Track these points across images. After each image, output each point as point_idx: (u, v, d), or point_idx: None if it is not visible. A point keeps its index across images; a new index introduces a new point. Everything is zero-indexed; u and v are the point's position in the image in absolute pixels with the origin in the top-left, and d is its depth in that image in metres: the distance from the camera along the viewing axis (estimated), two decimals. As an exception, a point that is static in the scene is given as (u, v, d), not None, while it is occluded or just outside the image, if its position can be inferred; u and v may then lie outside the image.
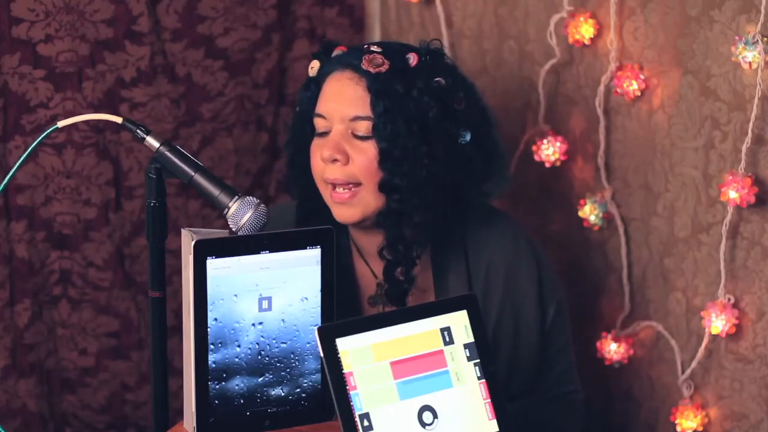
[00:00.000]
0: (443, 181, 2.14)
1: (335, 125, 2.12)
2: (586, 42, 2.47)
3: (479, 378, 1.89)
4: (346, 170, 2.11)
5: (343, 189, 2.12)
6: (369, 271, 2.24)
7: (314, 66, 2.19)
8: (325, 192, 2.15)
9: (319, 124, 2.14)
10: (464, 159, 2.15)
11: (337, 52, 2.18)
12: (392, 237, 2.15)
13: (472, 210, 2.23)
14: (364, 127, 2.10)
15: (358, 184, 2.11)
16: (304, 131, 2.18)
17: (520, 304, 2.23)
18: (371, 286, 2.25)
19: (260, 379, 1.93)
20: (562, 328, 2.29)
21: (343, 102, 2.11)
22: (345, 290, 2.19)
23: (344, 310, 2.03)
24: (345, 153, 2.10)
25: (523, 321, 2.24)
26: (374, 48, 2.14)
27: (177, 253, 1.99)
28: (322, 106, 2.14)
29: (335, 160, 2.10)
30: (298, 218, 2.24)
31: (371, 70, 2.10)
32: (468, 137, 2.15)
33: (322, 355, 1.80)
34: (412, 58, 2.13)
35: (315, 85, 2.17)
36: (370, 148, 2.10)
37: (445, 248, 2.22)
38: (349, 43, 2.26)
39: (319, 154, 2.13)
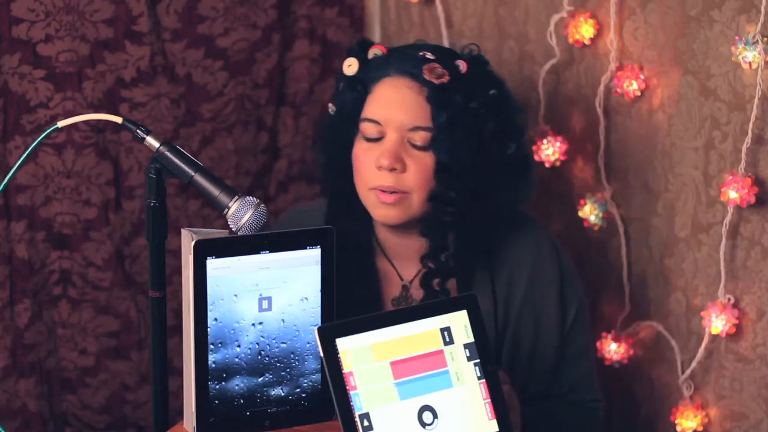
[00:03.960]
0: (489, 191, 2.14)
1: (390, 133, 2.10)
2: (586, 42, 2.47)
3: (479, 378, 1.89)
4: (399, 178, 2.09)
5: (391, 192, 2.10)
6: (394, 272, 2.24)
7: (352, 64, 2.16)
8: (369, 194, 2.13)
9: (370, 129, 2.11)
10: (510, 169, 2.15)
11: (375, 50, 2.16)
12: (437, 246, 2.15)
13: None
14: (422, 137, 2.09)
15: (406, 192, 2.10)
16: (346, 133, 2.15)
17: (541, 306, 2.23)
18: (395, 288, 2.24)
19: (260, 379, 1.93)
20: (582, 331, 2.28)
21: (403, 110, 2.09)
22: (367, 290, 2.19)
23: (366, 310, 2.02)
24: (403, 162, 2.09)
25: (543, 323, 2.23)
26: (428, 55, 2.11)
27: (177, 253, 1.99)
28: (376, 112, 2.11)
29: (393, 169, 2.08)
30: (327, 217, 2.22)
31: (434, 80, 2.08)
32: (514, 148, 2.15)
33: (322, 355, 1.80)
34: (462, 66, 2.12)
35: (362, 87, 2.14)
36: (426, 158, 2.09)
37: (468, 255, 2.21)
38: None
39: (371, 160, 2.10)
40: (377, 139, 2.10)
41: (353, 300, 2.14)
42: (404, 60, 2.12)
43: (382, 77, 2.12)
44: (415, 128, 2.08)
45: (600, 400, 2.34)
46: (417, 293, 2.22)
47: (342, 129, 2.16)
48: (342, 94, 2.18)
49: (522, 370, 2.25)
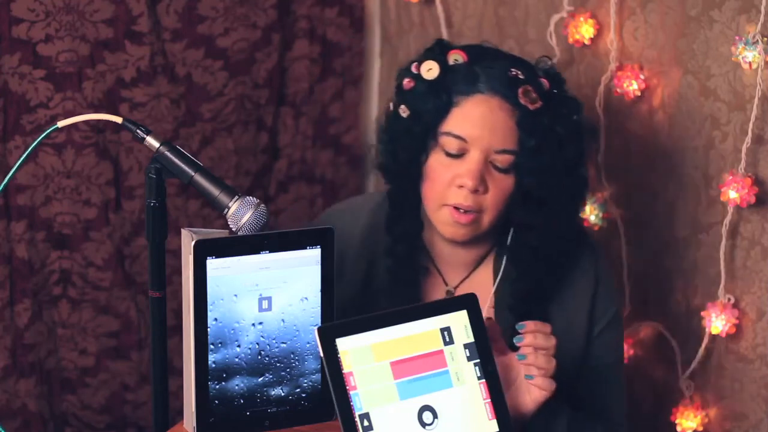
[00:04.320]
0: (567, 214, 2.12)
1: (474, 151, 2.04)
2: (586, 42, 2.47)
3: (479, 378, 1.89)
4: (478, 199, 2.05)
5: (467, 212, 2.05)
6: (440, 277, 2.19)
7: (432, 68, 2.08)
8: (441, 210, 2.07)
9: (452, 144, 2.04)
10: (580, 191, 2.14)
11: (455, 56, 2.08)
12: (527, 271, 2.11)
13: None
14: (506, 160, 2.04)
15: (480, 212, 2.06)
16: (421, 139, 2.08)
17: (571, 310, 2.17)
18: (440, 293, 2.19)
19: (260, 379, 1.93)
20: (610, 348, 2.20)
21: (493, 132, 2.03)
22: (410, 293, 2.16)
23: None
24: (486, 184, 2.04)
25: (571, 328, 2.16)
26: (519, 75, 2.05)
27: (177, 253, 1.99)
28: (463, 129, 2.04)
29: (476, 191, 2.04)
30: (391, 221, 2.15)
31: (528, 105, 2.03)
32: (585, 171, 2.12)
33: (322, 355, 1.80)
34: (545, 84, 2.08)
35: (446, 97, 2.06)
36: (506, 181, 2.05)
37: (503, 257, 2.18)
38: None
39: (449, 176, 2.05)
40: (458, 155, 2.04)
41: (394, 301, 2.11)
42: (495, 77, 2.05)
43: (472, 93, 2.04)
44: (502, 151, 2.04)
45: (622, 424, 2.24)
46: None
47: (416, 135, 2.08)
48: (419, 98, 2.08)
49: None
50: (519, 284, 2.13)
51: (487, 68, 2.06)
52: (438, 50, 2.11)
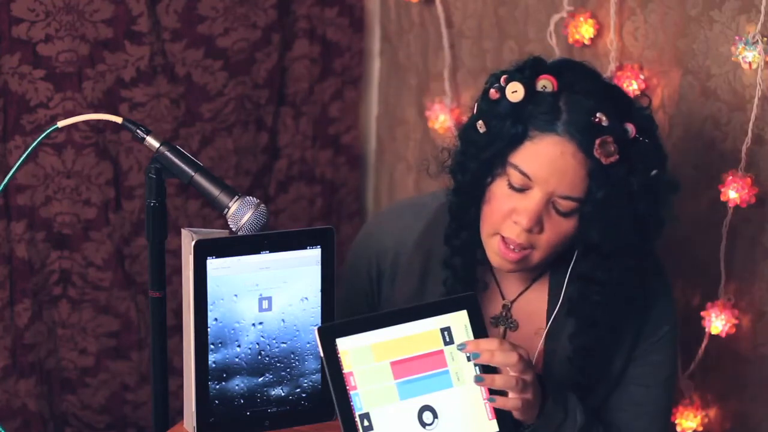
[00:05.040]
0: (634, 271, 2.02)
1: (537, 191, 1.94)
2: (586, 42, 2.47)
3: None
4: (531, 238, 1.97)
5: (516, 249, 1.98)
6: (497, 290, 2.14)
7: (518, 90, 1.96)
8: (492, 238, 2.00)
9: (518, 178, 1.95)
10: (653, 241, 2.04)
11: (544, 82, 1.97)
12: (584, 325, 2.05)
13: None
14: (569, 206, 1.95)
15: (530, 249, 1.99)
16: (490, 163, 1.99)
17: (618, 323, 2.09)
18: (496, 306, 2.14)
19: (260, 379, 1.93)
20: (653, 369, 2.11)
21: (559, 177, 1.93)
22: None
23: None
24: (541, 225, 1.96)
25: (615, 340, 2.10)
26: (603, 120, 1.92)
27: (177, 253, 1.99)
28: (530, 166, 1.94)
29: (530, 231, 1.97)
30: (451, 233, 2.08)
31: (603, 160, 1.91)
32: (662, 224, 2.03)
33: (322, 355, 1.80)
34: (631, 131, 1.95)
35: (522, 127, 1.95)
36: (566, 225, 1.97)
37: (563, 278, 2.10)
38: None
39: (507, 207, 1.97)
40: (521, 190, 1.97)
41: None
42: (576, 121, 1.93)
43: (549, 131, 1.94)
44: (567, 197, 1.95)
45: None
46: (518, 314, 2.13)
47: (487, 156, 1.99)
48: (498, 120, 1.98)
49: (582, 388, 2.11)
50: (577, 339, 2.06)
51: (572, 107, 1.95)
52: (529, 74, 1.99)
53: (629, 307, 2.07)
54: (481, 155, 2.00)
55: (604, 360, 2.09)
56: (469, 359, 1.88)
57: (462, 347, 1.89)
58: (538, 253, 2.00)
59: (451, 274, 2.10)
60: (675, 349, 2.16)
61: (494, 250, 2.01)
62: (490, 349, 1.89)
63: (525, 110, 1.96)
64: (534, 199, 1.95)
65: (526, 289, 2.14)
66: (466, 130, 2.06)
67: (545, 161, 1.94)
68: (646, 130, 1.99)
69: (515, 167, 1.96)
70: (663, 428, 2.16)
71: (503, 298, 2.14)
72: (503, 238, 1.98)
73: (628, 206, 1.96)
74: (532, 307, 2.13)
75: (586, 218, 1.96)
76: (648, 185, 1.97)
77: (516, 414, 1.91)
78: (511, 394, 1.89)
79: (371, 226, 2.27)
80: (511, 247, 1.98)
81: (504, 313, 2.14)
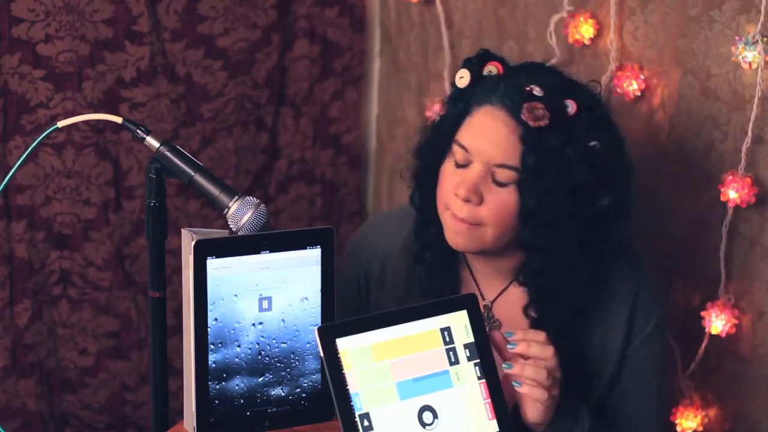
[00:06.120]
0: (579, 244, 2.03)
1: (476, 163, 2.00)
2: (586, 42, 2.47)
3: (479, 378, 1.89)
4: (474, 211, 2.00)
5: (464, 221, 2.02)
6: (477, 290, 2.15)
7: (464, 76, 2.06)
8: (445, 214, 2.05)
9: (459, 154, 2.02)
10: (599, 222, 2.04)
11: (490, 67, 2.05)
12: (535, 295, 2.07)
13: None
14: (506, 175, 1.98)
15: (480, 225, 2.02)
16: (440, 148, 2.06)
17: (609, 322, 2.11)
18: None
19: (260, 379, 1.93)
20: (649, 362, 2.14)
21: (493, 145, 1.99)
22: None
23: None
24: (480, 195, 2.00)
25: (608, 338, 2.11)
26: (536, 91, 1.99)
27: (177, 253, 1.99)
28: (467, 139, 2.01)
29: (467, 201, 2.00)
30: (417, 228, 2.14)
31: (530, 123, 1.96)
32: (606, 201, 2.04)
33: (322, 355, 1.80)
34: (571, 107, 2.00)
35: (464, 106, 2.04)
36: (506, 195, 1.99)
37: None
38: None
39: (452, 184, 2.02)
40: (464, 165, 2.02)
41: None
42: (510, 90, 2.00)
43: (483, 103, 2.01)
44: (502, 166, 1.98)
45: None
46: (500, 313, 2.15)
47: (436, 140, 2.08)
48: (447, 107, 2.09)
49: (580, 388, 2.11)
50: (528, 311, 2.09)
51: (510, 82, 2.02)
52: (476, 61, 2.07)
53: (586, 287, 2.08)
54: (431, 141, 2.09)
55: (573, 347, 2.09)
56: (469, 359, 1.89)
57: (510, 335, 1.93)
58: (490, 230, 2.02)
59: (424, 271, 2.13)
60: (665, 340, 2.19)
61: (447, 227, 2.05)
62: (537, 340, 1.93)
63: (468, 92, 2.05)
64: (473, 170, 2.00)
65: (506, 288, 2.15)
66: (424, 125, 2.16)
67: (480, 131, 2.01)
68: (591, 109, 2.03)
69: (457, 143, 2.03)
70: (661, 414, 2.19)
71: (483, 298, 2.16)
72: (450, 212, 2.03)
73: (565, 176, 1.99)
74: (515, 306, 2.13)
75: (522, 186, 1.99)
76: (585, 155, 2.00)
77: (536, 412, 1.92)
78: (532, 387, 1.92)
79: (357, 238, 2.28)
80: (460, 217, 2.02)
81: (486, 313, 2.15)
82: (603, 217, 2.04)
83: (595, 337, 2.12)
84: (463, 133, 2.03)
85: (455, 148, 2.03)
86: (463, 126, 2.03)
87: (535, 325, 2.07)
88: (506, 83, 2.02)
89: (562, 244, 2.02)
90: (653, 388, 2.16)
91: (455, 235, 2.04)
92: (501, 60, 2.08)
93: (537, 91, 1.99)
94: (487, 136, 2.00)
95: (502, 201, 2.00)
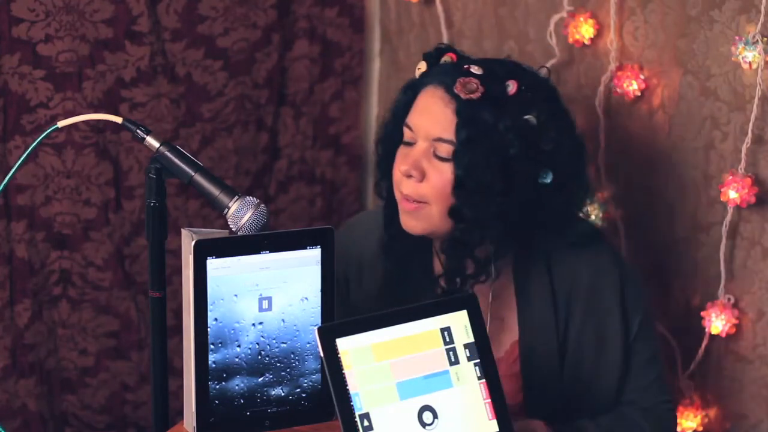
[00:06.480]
0: (516, 219, 2.08)
1: (419, 140, 2.08)
2: (586, 42, 2.47)
3: (479, 378, 1.89)
4: (418, 187, 2.07)
5: (412, 201, 2.09)
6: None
7: (421, 67, 2.16)
8: (398, 197, 2.12)
9: (406, 134, 2.11)
10: (542, 199, 2.09)
11: (446, 57, 2.15)
12: (451, 267, 2.12)
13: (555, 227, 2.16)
14: (445, 149, 2.06)
15: (426, 203, 2.08)
16: (395, 134, 2.15)
17: (603, 319, 2.16)
18: None
19: (260, 379, 1.93)
20: (647, 340, 2.21)
21: (431, 120, 2.08)
22: (424, 296, 2.16)
23: None
24: (422, 171, 2.07)
25: (607, 337, 2.17)
26: (475, 69, 2.07)
27: (177, 253, 1.99)
28: (411, 118, 2.10)
29: (410, 176, 2.07)
30: (384, 219, 2.20)
31: (462, 95, 2.05)
32: (549, 178, 2.08)
33: (322, 355, 1.80)
34: (512, 86, 2.07)
35: (412, 92, 2.14)
36: (448, 171, 2.06)
37: (528, 268, 2.17)
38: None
39: (398, 163, 2.11)
40: (411, 144, 2.10)
41: (411, 303, 2.11)
42: (450, 70, 2.10)
43: (426, 84, 2.10)
44: (439, 139, 2.06)
45: (670, 400, 2.25)
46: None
47: (393, 131, 2.16)
48: (398, 97, 2.18)
49: (585, 388, 2.18)
50: (441, 281, 2.14)
51: (454, 64, 2.12)
52: (434, 53, 2.17)
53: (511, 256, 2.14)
54: (388, 129, 2.17)
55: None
56: (469, 359, 1.89)
57: None
58: (435, 207, 2.08)
59: (394, 263, 2.18)
60: (653, 315, 2.27)
61: (400, 209, 2.12)
62: None
63: (419, 79, 2.15)
64: (417, 147, 2.09)
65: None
66: (382, 126, 2.24)
67: (421, 109, 2.10)
68: (534, 90, 2.08)
69: (405, 125, 2.10)
70: (661, 368, 2.25)
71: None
72: (403, 196, 2.10)
73: (498, 149, 2.04)
74: (500, 300, 2.15)
75: (457, 158, 2.05)
76: (518, 128, 2.04)
77: None
78: None
79: (337, 238, 2.29)
80: (408, 200, 2.08)
81: None
82: (545, 197, 2.09)
83: (592, 337, 2.15)
84: (409, 115, 2.11)
85: (405, 130, 2.11)
86: (411, 109, 2.12)
87: (444, 295, 2.13)
88: (450, 65, 2.12)
89: (486, 216, 2.06)
90: (655, 358, 2.22)
91: (406, 216, 2.11)
92: (458, 52, 2.16)
93: (475, 69, 2.08)
94: (427, 112, 2.08)
95: (442, 176, 2.06)
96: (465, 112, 2.05)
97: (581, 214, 2.25)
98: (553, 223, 2.12)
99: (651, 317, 2.24)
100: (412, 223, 2.10)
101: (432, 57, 2.16)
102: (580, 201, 2.20)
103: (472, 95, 2.04)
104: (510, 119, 2.04)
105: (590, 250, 2.18)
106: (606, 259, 2.18)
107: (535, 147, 2.06)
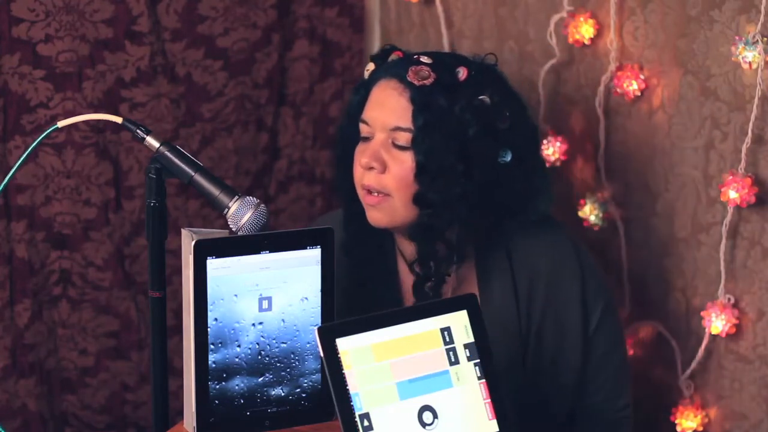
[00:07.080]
0: (479, 199, 2.11)
1: (377, 133, 2.12)
2: (586, 42, 2.47)
3: (479, 378, 1.89)
4: (380, 179, 2.10)
5: (376, 194, 2.11)
6: (412, 277, 2.21)
7: (369, 68, 2.20)
8: (361, 193, 2.14)
9: (363, 129, 2.14)
10: (503, 178, 2.12)
11: (393, 56, 2.19)
12: (423, 252, 2.14)
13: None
14: (404, 138, 2.09)
15: (388, 195, 2.11)
16: (351, 134, 2.17)
17: (563, 309, 2.20)
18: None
19: (260, 379, 1.93)
20: (609, 334, 2.23)
21: (386, 111, 2.11)
22: (388, 294, 2.20)
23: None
24: (382, 162, 2.10)
25: (567, 326, 2.20)
26: (424, 59, 2.12)
27: (177, 253, 1.99)
28: (366, 113, 2.14)
29: (371, 168, 2.10)
30: (344, 219, 2.23)
31: (415, 82, 2.09)
32: (509, 157, 2.12)
33: (322, 355, 1.80)
34: (462, 72, 2.11)
35: (364, 90, 2.17)
36: (408, 160, 2.09)
37: (489, 257, 2.20)
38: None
39: (357, 158, 2.13)
40: (368, 139, 2.13)
41: (376, 302, 2.15)
42: (400, 63, 2.14)
43: (378, 79, 2.14)
44: (397, 128, 2.10)
45: (629, 405, 2.29)
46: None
47: (348, 131, 2.19)
48: (351, 98, 2.23)
49: (547, 378, 2.21)
50: (416, 266, 2.16)
51: (402, 59, 2.16)
52: (381, 53, 2.21)
53: (478, 244, 2.17)
54: (344, 130, 2.21)
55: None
56: (469, 359, 1.89)
57: None
58: (397, 198, 2.11)
59: (356, 263, 2.21)
60: (617, 310, 2.29)
61: (363, 204, 2.15)
62: None
63: (369, 78, 2.19)
64: (375, 139, 2.12)
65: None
66: (338, 127, 2.30)
67: (375, 103, 2.13)
68: (483, 72, 2.13)
69: (361, 121, 2.15)
70: (621, 362, 2.28)
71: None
72: (365, 189, 2.13)
73: (455, 132, 2.08)
74: (463, 290, 2.18)
75: (416, 145, 2.09)
76: (474, 110, 2.08)
77: None
78: None
79: None
80: (371, 194, 2.11)
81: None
82: (506, 176, 2.12)
83: (552, 327, 2.19)
84: (364, 111, 2.15)
85: (361, 126, 2.14)
86: (365, 105, 2.15)
87: (419, 281, 2.15)
88: (399, 59, 2.16)
89: (451, 199, 2.09)
90: (620, 354, 2.26)
91: (370, 209, 2.13)
92: (404, 50, 2.20)
93: (425, 59, 2.12)
94: (381, 104, 2.12)
95: (403, 165, 2.09)
96: (420, 99, 2.08)
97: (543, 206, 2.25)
98: (514, 202, 2.16)
99: (613, 309, 2.26)
100: (377, 215, 2.13)
101: (379, 57, 2.20)
102: (539, 180, 2.21)
103: (425, 81, 2.08)
104: (465, 101, 2.09)
105: (548, 237, 2.21)
106: (564, 248, 2.21)
107: (492, 126, 2.10)
